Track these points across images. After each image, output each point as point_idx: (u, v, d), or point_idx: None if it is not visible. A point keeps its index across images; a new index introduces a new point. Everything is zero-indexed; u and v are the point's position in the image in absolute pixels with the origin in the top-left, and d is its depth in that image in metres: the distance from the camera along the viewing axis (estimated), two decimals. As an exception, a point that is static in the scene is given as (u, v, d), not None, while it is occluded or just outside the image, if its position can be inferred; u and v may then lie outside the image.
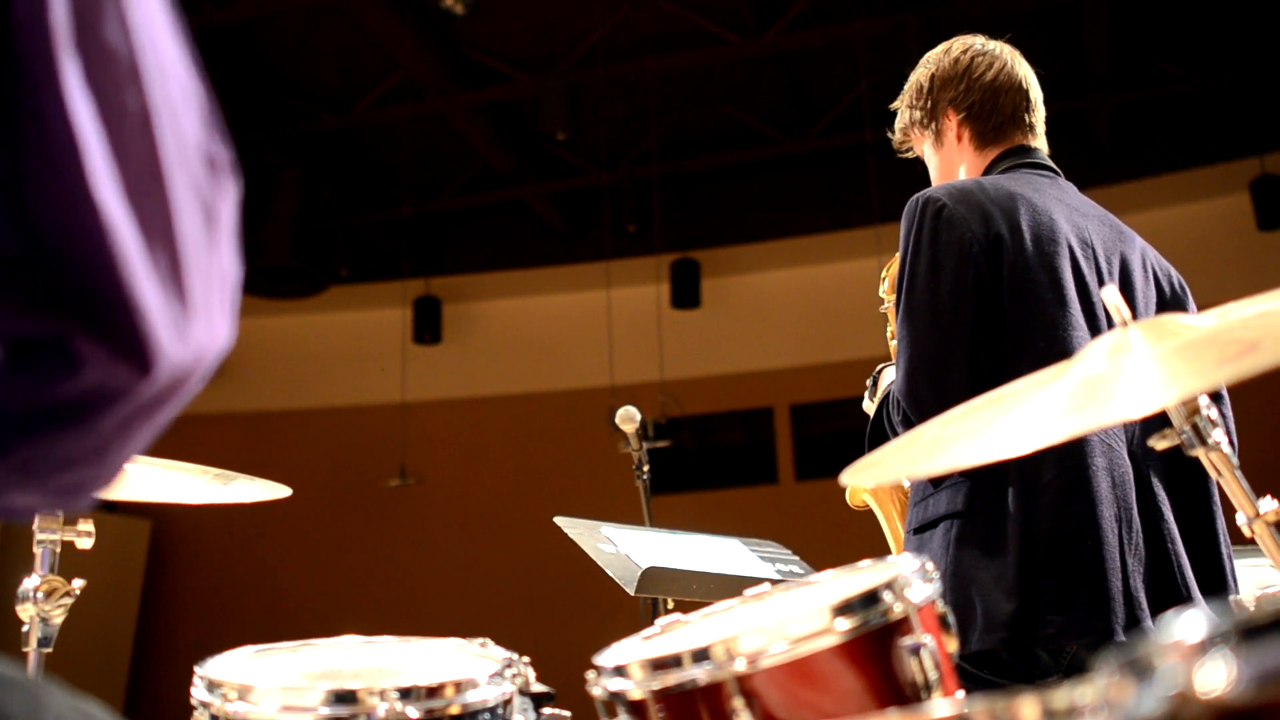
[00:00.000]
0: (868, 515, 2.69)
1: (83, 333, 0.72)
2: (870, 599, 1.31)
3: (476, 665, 1.63)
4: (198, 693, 1.55)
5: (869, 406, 2.51)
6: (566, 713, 1.77)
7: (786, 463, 10.51)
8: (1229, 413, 2.24)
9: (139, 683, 10.02)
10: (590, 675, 1.40)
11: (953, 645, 1.37)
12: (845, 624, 1.29)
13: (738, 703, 1.26)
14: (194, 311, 0.77)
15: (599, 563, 2.49)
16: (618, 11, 8.38)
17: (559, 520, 2.60)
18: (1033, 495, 1.99)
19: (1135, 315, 2.17)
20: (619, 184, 10.18)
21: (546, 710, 1.72)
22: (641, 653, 1.39)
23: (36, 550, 2.11)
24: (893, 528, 2.59)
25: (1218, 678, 0.58)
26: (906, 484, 2.43)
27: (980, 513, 2.03)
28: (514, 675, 1.61)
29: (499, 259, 11.04)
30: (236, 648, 1.70)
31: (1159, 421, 1.46)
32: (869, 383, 2.56)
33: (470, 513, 10.64)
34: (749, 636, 1.28)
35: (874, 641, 1.30)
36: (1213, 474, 1.44)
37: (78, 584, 2.11)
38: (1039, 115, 2.48)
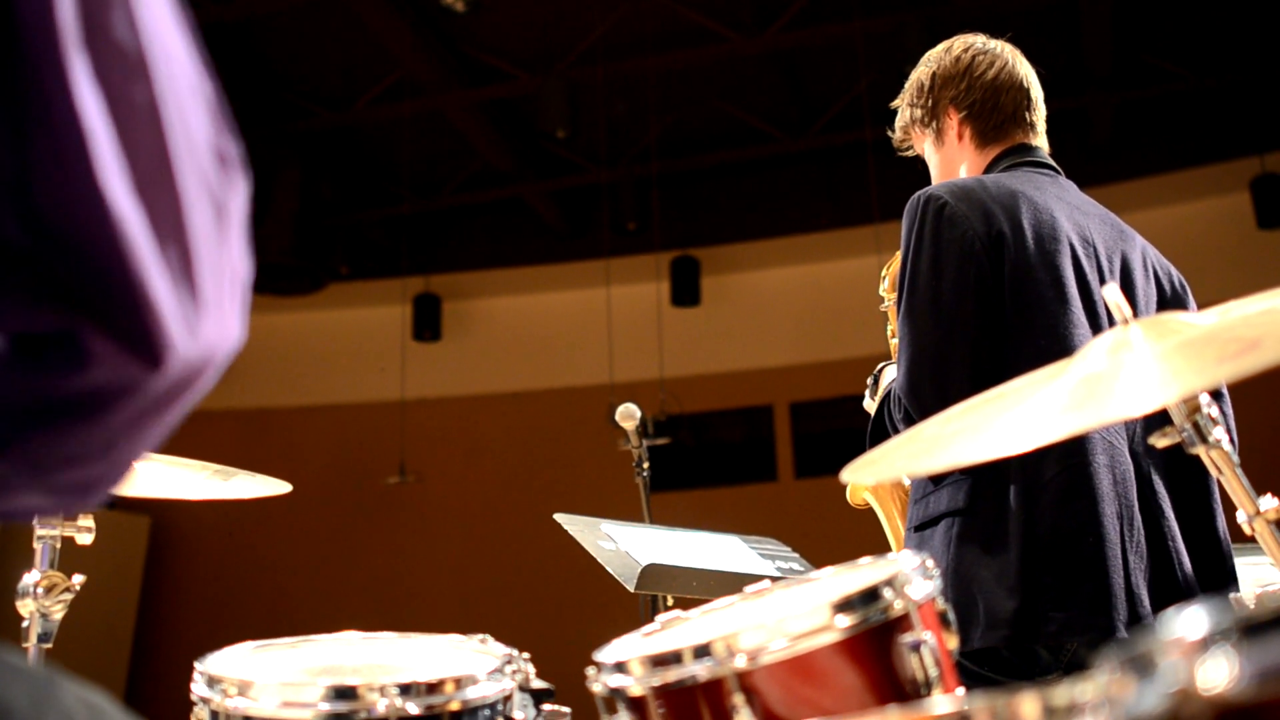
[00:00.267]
0: (867, 513, 2.69)
1: (92, 327, 0.72)
2: (870, 596, 1.31)
3: (476, 661, 1.63)
4: (197, 688, 1.55)
5: (870, 405, 2.51)
6: (566, 709, 1.77)
7: (786, 460, 10.51)
8: (1229, 410, 2.24)
9: (139, 678, 10.02)
10: (590, 671, 1.40)
11: (953, 642, 1.37)
12: (845, 621, 1.29)
13: (738, 699, 1.26)
14: (205, 307, 0.76)
15: (599, 560, 2.50)
16: (617, 9, 8.38)
17: (559, 517, 2.60)
18: (1034, 492, 1.99)
19: (1136, 313, 2.17)
20: (619, 182, 10.18)
21: (546, 706, 1.72)
22: (641, 649, 1.39)
23: (37, 546, 2.12)
24: (893, 526, 2.59)
25: (1219, 675, 0.58)
26: (907, 482, 2.43)
27: (981, 510, 2.03)
28: (514, 671, 1.61)
29: (499, 256, 11.04)
30: (236, 643, 1.70)
31: (1160, 419, 1.46)
32: (870, 381, 2.56)
33: (470, 510, 10.65)
34: (749, 633, 1.28)
35: (874, 638, 1.30)
36: (1213, 472, 1.43)
37: (78, 579, 2.11)
38: (1040, 114, 2.48)
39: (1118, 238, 2.31)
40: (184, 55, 0.78)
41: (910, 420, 2.10)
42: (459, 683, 1.52)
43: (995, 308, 2.11)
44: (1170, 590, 2.02)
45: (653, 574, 2.44)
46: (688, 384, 10.10)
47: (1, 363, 0.72)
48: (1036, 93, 2.48)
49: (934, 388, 2.08)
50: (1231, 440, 2.14)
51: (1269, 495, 1.43)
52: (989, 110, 2.41)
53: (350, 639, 1.78)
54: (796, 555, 2.86)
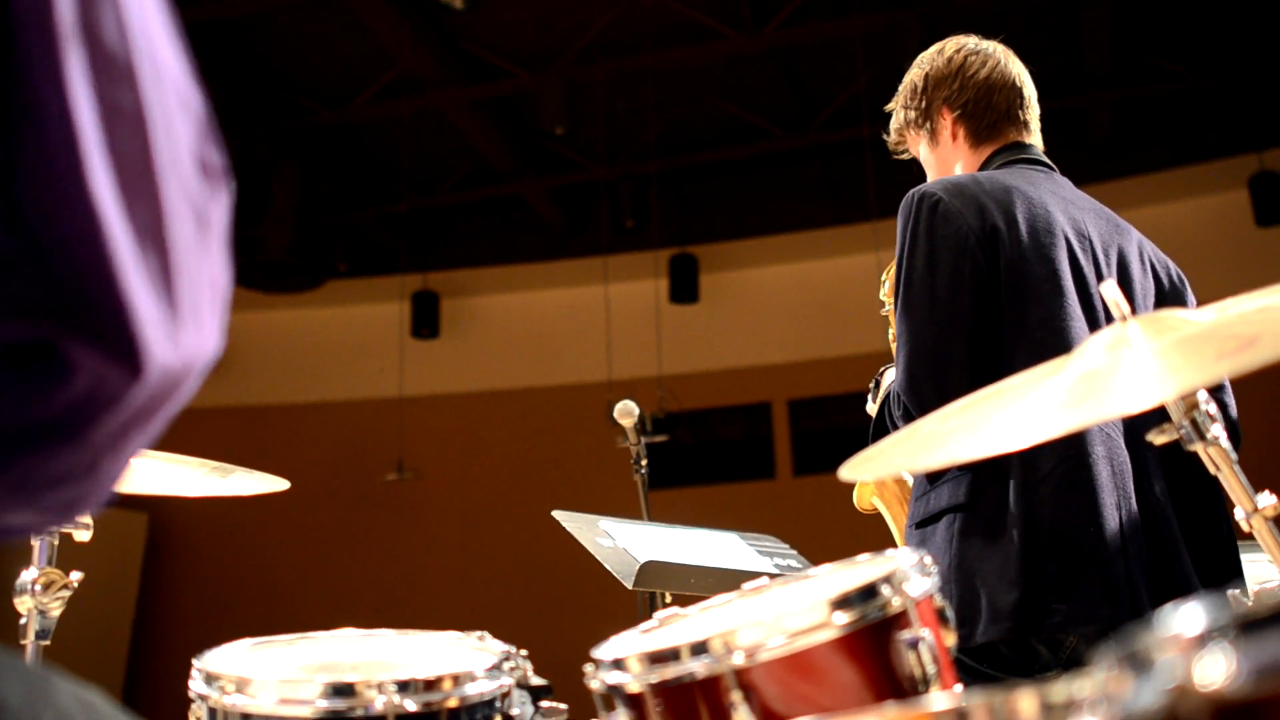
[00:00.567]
0: (866, 510, 2.69)
1: (74, 337, 0.71)
2: (868, 593, 1.31)
3: (474, 658, 1.62)
4: (195, 685, 1.55)
5: (872, 409, 2.51)
6: (564, 705, 1.77)
7: (784, 457, 10.51)
8: (1231, 400, 2.24)
9: (137, 675, 10.02)
10: (588, 668, 1.40)
11: (951, 639, 1.37)
12: (843, 618, 1.29)
13: (735, 696, 1.26)
14: (183, 316, 0.76)
15: (597, 557, 2.50)
16: (616, 7, 8.37)
17: (557, 514, 2.60)
18: (1033, 485, 2.00)
19: (1133, 307, 2.18)
20: (617, 179, 10.18)
21: (544, 703, 1.72)
22: (639, 646, 1.39)
23: (34, 543, 2.11)
24: (901, 530, 2.58)
25: (1217, 671, 0.58)
26: (912, 483, 2.43)
27: (982, 505, 2.04)
28: (512, 668, 1.61)
29: (497, 254, 11.04)
30: (234, 640, 1.70)
31: (1158, 412, 1.46)
32: (871, 385, 2.57)
33: (468, 507, 10.65)
34: (747, 630, 1.28)
35: (872, 635, 1.30)
36: (1211, 469, 1.44)
37: (75, 576, 2.11)
38: (1033, 112, 2.49)
39: (1113, 231, 2.32)
40: (173, 62, 0.78)
41: (910, 417, 2.10)
42: (457, 680, 1.52)
43: (991, 302, 2.12)
44: (1169, 582, 2.02)
45: (651, 571, 2.44)
46: (686, 381, 10.10)
47: None
48: (1029, 91, 2.49)
49: (932, 383, 2.09)
50: (1235, 429, 2.16)
51: (1267, 492, 1.43)
52: (982, 109, 2.43)
53: (348, 636, 1.78)
54: (794, 552, 2.86)
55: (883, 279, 2.63)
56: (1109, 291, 1.46)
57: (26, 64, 0.69)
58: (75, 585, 2.11)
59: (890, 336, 2.55)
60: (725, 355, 10.61)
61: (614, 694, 1.37)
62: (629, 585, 2.41)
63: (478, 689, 1.53)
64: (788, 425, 10.54)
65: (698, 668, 1.28)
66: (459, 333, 11.02)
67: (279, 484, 2.40)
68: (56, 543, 2.14)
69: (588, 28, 8.55)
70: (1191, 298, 2.35)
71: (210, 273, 0.79)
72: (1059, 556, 1.96)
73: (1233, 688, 0.58)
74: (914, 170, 2.64)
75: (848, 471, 1.45)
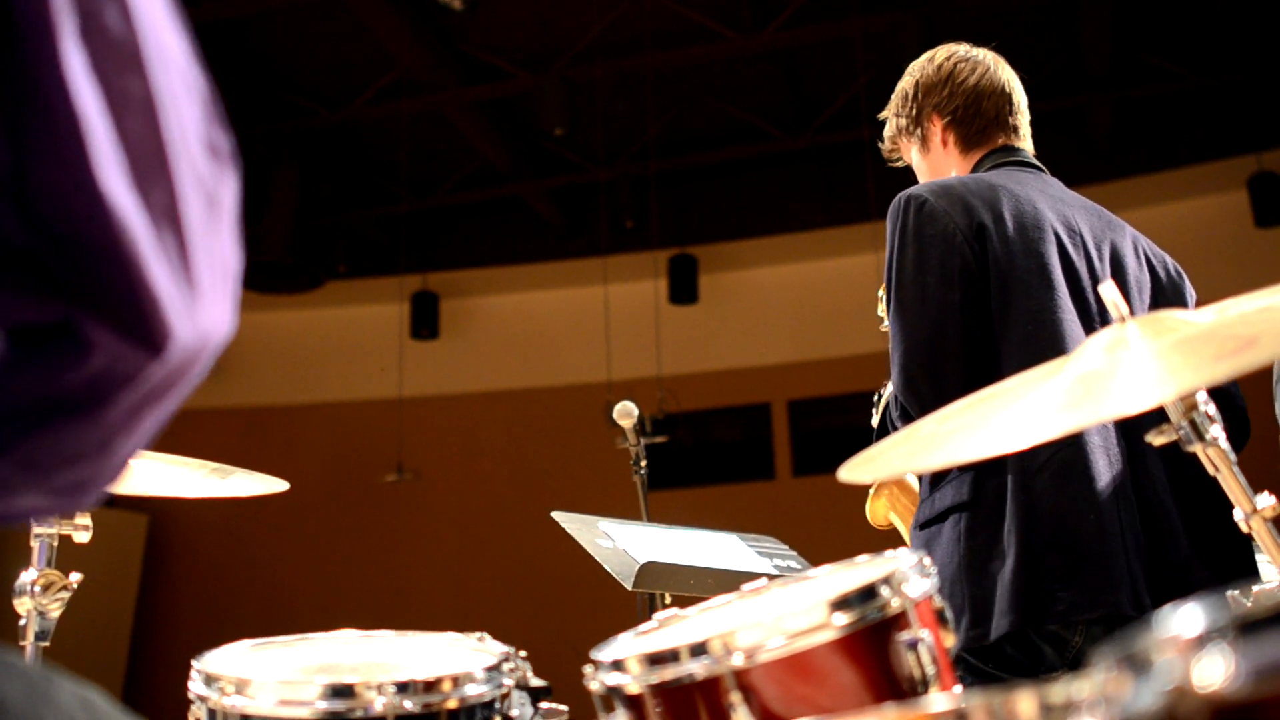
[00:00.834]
0: (863, 508, 2.69)
1: (91, 316, 0.73)
2: (867, 594, 1.31)
3: (474, 659, 1.62)
4: (195, 686, 1.55)
5: (876, 422, 2.53)
6: (563, 707, 1.77)
7: (784, 458, 10.51)
8: (1237, 389, 2.25)
9: (136, 677, 10.02)
10: (587, 670, 1.40)
11: (950, 640, 1.37)
12: (842, 619, 1.29)
13: (735, 697, 1.26)
14: (201, 294, 0.77)
15: (596, 558, 2.49)
16: (616, 8, 8.38)
17: (557, 515, 2.60)
18: (1031, 475, 2.02)
19: (1129, 300, 2.20)
20: (616, 180, 10.18)
21: (543, 704, 1.72)
22: (639, 647, 1.39)
23: (34, 544, 2.11)
24: None
25: (1215, 672, 0.58)
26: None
27: (985, 501, 2.06)
28: (511, 669, 1.61)
29: (496, 255, 11.04)
30: (234, 641, 1.70)
31: (1158, 411, 1.46)
32: (875, 398, 2.58)
33: (467, 508, 10.64)
34: (746, 631, 1.28)
35: (871, 636, 1.30)
36: (1210, 470, 1.44)
37: (75, 578, 2.11)
38: (1023, 118, 2.53)
39: (1105, 227, 2.34)
40: (176, 46, 0.79)
41: (909, 418, 2.12)
42: (456, 681, 1.52)
43: (982, 297, 2.15)
44: (1168, 570, 2.04)
45: (650, 572, 2.44)
46: (685, 382, 10.10)
47: (3, 362, 0.72)
48: (1019, 97, 2.53)
49: (929, 379, 2.12)
50: (1243, 417, 2.18)
51: (1266, 493, 1.43)
52: (971, 115, 2.47)
53: (348, 637, 1.78)
54: (794, 553, 2.86)
55: (880, 295, 2.64)
56: (1108, 293, 1.46)
57: (31, 56, 0.70)
58: (75, 586, 2.11)
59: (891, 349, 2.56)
60: (725, 356, 10.61)
61: (613, 695, 1.37)
62: (628, 586, 2.41)
63: (477, 690, 1.53)
64: (787, 426, 10.54)
65: (697, 669, 1.28)
66: (458, 333, 11.02)
67: (278, 485, 2.40)
68: (56, 544, 2.13)
69: (587, 28, 8.55)
70: (1191, 291, 2.37)
71: (222, 253, 0.81)
72: (1059, 545, 1.98)
73: (1231, 689, 0.58)
74: (911, 173, 2.65)
75: (847, 472, 1.45)
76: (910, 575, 1.35)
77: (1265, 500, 1.41)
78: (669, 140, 9.79)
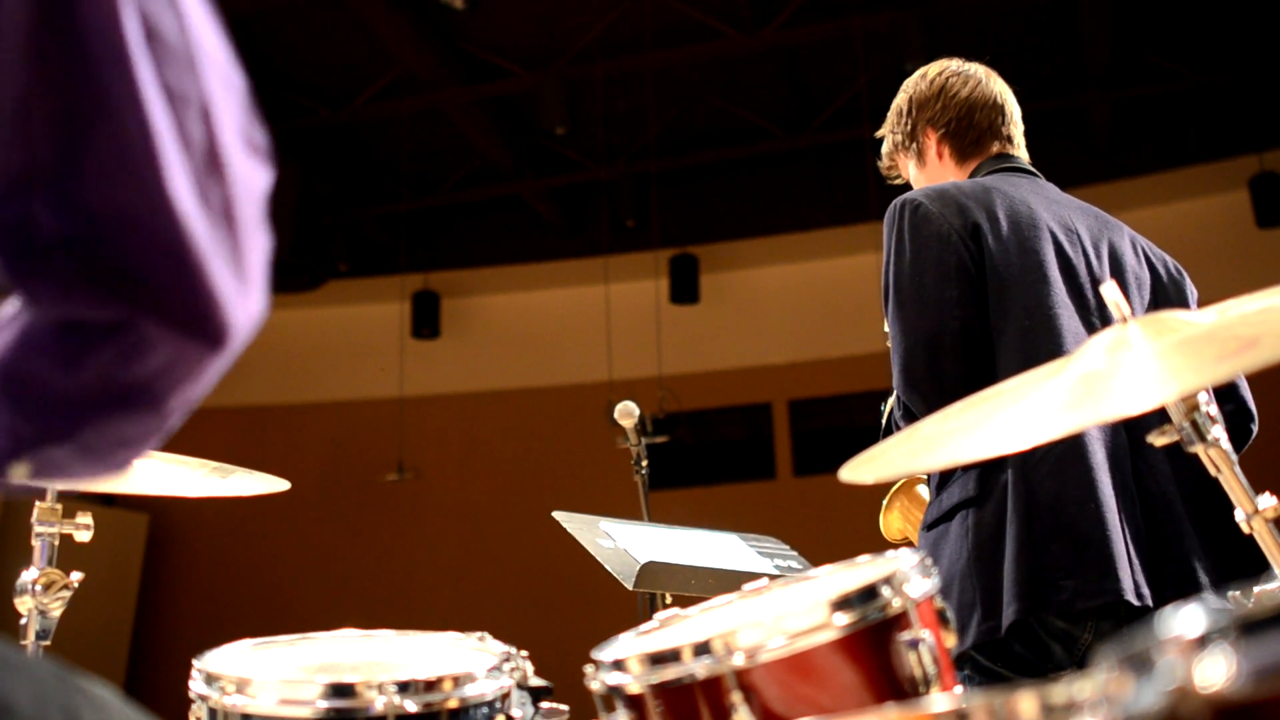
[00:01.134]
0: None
1: (151, 316, 0.75)
2: (868, 594, 1.31)
3: (474, 659, 1.63)
4: (196, 685, 1.55)
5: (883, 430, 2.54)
6: (564, 706, 1.77)
7: (785, 458, 10.51)
8: (1243, 384, 2.27)
9: (137, 676, 10.02)
10: (588, 669, 1.40)
11: (951, 640, 1.37)
12: (844, 619, 1.29)
13: (736, 697, 1.26)
14: (251, 286, 0.81)
15: (597, 558, 2.49)
16: (616, 7, 8.37)
17: (557, 515, 2.60)
18: (1032, 467, 2.05)
19: (1129, 297, 2.22)
20: (617, 179, 10.18)
21: (544, 704, 1.72)
22: (640, 647, 1.39)
23: (35, 543, 2.11)
24: None
25: (1217, 672, 0.58)
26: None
27: (991, 496, 2.09)
28: (512, 669, 1.61)
29: (497, 254, 11.04)
30: (235, 641, 1.70)
31: (1160, 411, 1.46)
32: (881, 406, 2.60)
33: (468, 508, 10.64)
34: (747, 631, 1.28)
35: (872, 636, 1.30)
36: (1212, 470, 1.44)
37: (76, 577, 2.11)
38: (1017, 129, 2.58)
39: (1102, 227, 2.37)
40: (218, 47, 0.83)
41: (911, 417, 2.14)
42: (457, 680, 1.52)
43: (979, 294, 2.18)
44: (1170, 562, 2.06)
45: (651, 572, 2.44)
46: (686, 381, 10.09)
47: (56, 353, 0.76)
48: (1012, 108, 2.58)
49: (930, 375, 2.15)
50: (1249, 414, 2.19)
51: (1267, 494, 1.43)
52: (965, 127, 2.52)
53: (348, 636, 1.78)
54: (795, 553, 2.86)
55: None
56: (1109, 293, 1.46)
57: (98, 66, 0.72)
58: (76, 585, 2.11)
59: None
60: (726, 355, 10.61)
61: (614, 695, 1.37)
62: (629, 586, 2.41)
63: (478, 690, 1.53)
64: (788, 426, 10.54)
65: (698, 669, 1.28)
66: (459, 333, 11.02)
67: (279, 484, 2.40)
68: (57, 543, 2.14)
69: (588, 28, 8.55)
70: (1192, 289, 2.39)
71: (264, 244, 0.84)
72: (1061, 535, 2.01)
73: (1233, 689, 0.58)
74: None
75: (849, 473, 1.46)
76: (911, 575, 1.35)
77: (1267, 501, 1.41)
78: (670, 139, 9.79)
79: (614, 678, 1.36)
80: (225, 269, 0.77)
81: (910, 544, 2.67)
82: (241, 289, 0.79)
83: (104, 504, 8.80)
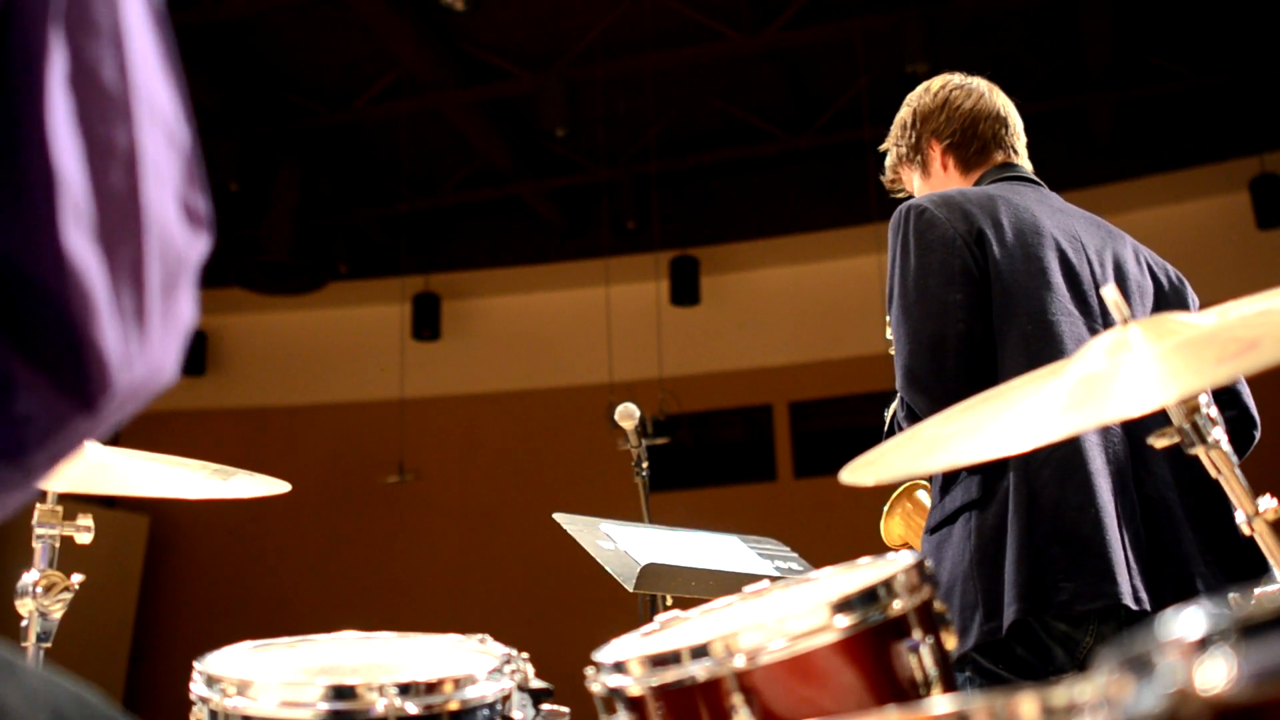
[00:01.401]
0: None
1: (27, 362, 0.71)
2: (869, 596, 1.31)
3: (475, 661, 1.63)
4: (197, 688, 1.55)
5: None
6: (565, 709, 1.77)
7: (785, 460, 10.50)
8: (1244, 388, 2.28)
9: (138, 678, 10.02)
10: (589, 671, 1.40)
11: (951, 642, 1.37)
12: (844, 621, 1.29)
13: (736, 699, 1.26)
14: (149, 348, 0.76)
15: (598, 559, 2.49)
16: (617, 8, 8.37)
17: (558, 517, 2.60)
18: (1034, 470, 2.07)
19: (1130, 304, 2.24)
20: (618, 180, 10.17)
21: (545, 706, 1.72)
22: (640, 649, 1.39)
23: (36, 545, 2.12)
24: None
25: (1218, 675, 0.58)
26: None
27: (993, 499, 2.10)
28: (513, 671, 1.61)
29: (498, 255, 11.03)
30: (235, 643, 1.70)
31: (1161, 413, 1.46)
32: (884, 413, 2.61)
33: (469, 509, 10.64)
34: (748, 633, 1.28)
35: (873, 638, 1.30)
36: (1212, 472, 1.44)
37: (77, 579, 2.11)
38: (1020, 141, 2.61)
39: (1106, 236, 2.40)
40: (167, 102, 0.78)
41: (914, 418, 2.16)
42: (458, 682, 1.52)
43: (984, 299, 2.20)
44: (1169, 566, 2.07)
45: (652, 574, 2.44)
46: (687, 383, 10.09)
47: None
48: (1015, 120, 2.61)
49: (934, 375, 2.16)
50: (1251, 419, 2.20)
51: (1268, 496, 1.43)
52: (968, 139, 2.56)
53: (349, 638, 1.78)
54: (795, 555, 2.86)
55: (888, 319, 2.67)
56: (1110, 295, 1.46)
57: (15, 98, 0.69)
58: (76, 588, 2.11)
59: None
60: (726, 357, 10.61)
61: (615, 697, 1.37)
62: (630, 588, 2.41)
63: (479, 692, 1.53)
64: (789, 427, 10.53)
65: (699, 671, 1.28)
66: (460, 334, 11.02)
67: (280, 486, 2.40)
68: (58, 545, 2.14)
69: (588, 28, 8.55)
70: (1194, 297, 2.40)
71: (180, 311, 0.79)
72: (1061, 537, 2.02)
73: (1234, 692, 0.58)
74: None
75: (849, 475, 1.46)
76: (912, 577, 1.35)
77: (1267, 503, 1.41)
78: (670, 141, 9.79)
79: (615, 680, 1.36)
80: (116, 330, 0.73)
81: (911, 549, 2.67)
82: (140, 353, 0.75)
83: (105, 506, 8.80)
